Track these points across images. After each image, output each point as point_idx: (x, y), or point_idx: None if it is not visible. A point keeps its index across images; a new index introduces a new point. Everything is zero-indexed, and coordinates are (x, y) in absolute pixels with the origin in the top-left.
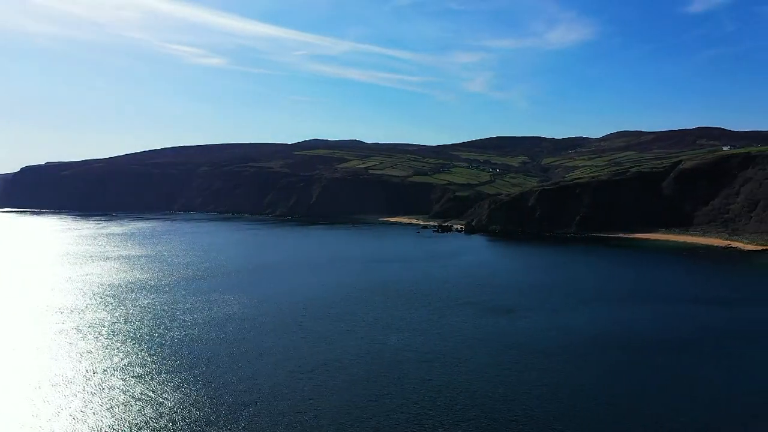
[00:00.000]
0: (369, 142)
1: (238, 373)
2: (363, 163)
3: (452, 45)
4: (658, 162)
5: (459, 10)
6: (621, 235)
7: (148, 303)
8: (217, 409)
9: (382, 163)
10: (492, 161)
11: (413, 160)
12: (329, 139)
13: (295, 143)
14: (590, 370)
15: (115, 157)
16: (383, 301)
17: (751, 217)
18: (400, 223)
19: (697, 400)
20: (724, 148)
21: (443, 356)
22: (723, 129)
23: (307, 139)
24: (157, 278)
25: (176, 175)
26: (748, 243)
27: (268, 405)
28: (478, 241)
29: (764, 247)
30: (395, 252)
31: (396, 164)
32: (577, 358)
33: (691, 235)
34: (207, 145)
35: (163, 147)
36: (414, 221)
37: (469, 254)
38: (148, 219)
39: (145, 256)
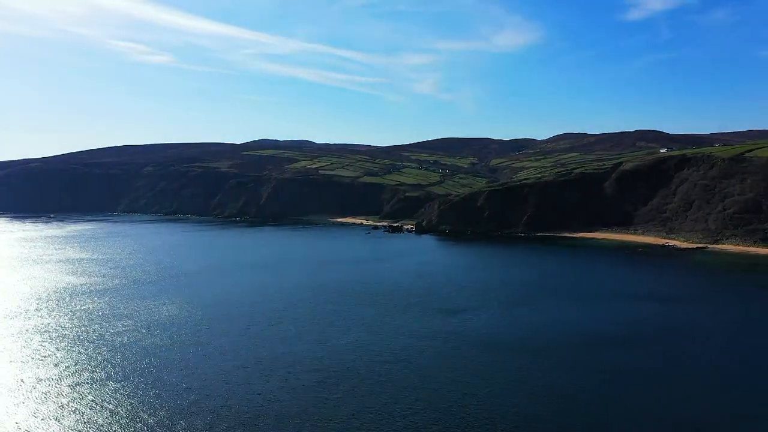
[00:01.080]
0: (319, 142)
1: (189, 378)
2: (313, 163)
3: (402, 46)
4: (601, 163)
5: (408, 11)
6: (566, 234)
7: (87, 308)
8: (172, 416)
9: (332, 163)
10: (442, 162)
11: (364, 161)
12: (279, 139)
13: (244, 143)
14: (538, 366)
15: (55, 156)
16: (334, 303)
17: (687, 216)
18: (351, 224)
19: (637, 394)
20: (662, 151)
21: (394, 356)
22: (661, 132)
23: (256, 139)
24: (98, 282)
25: (119, 176)
26: (684, 241)
27: (220, 409)
28: (428, 241)
29: (699, 245)
30: (346, 253)
31: (347, 165)
32: (526, 355)
33: (632, 234)
34: (151, 144)
35: (105, 146)
36: (365, 222)
37: (419, 254)
38: (89, 221)
39: (86, 260)
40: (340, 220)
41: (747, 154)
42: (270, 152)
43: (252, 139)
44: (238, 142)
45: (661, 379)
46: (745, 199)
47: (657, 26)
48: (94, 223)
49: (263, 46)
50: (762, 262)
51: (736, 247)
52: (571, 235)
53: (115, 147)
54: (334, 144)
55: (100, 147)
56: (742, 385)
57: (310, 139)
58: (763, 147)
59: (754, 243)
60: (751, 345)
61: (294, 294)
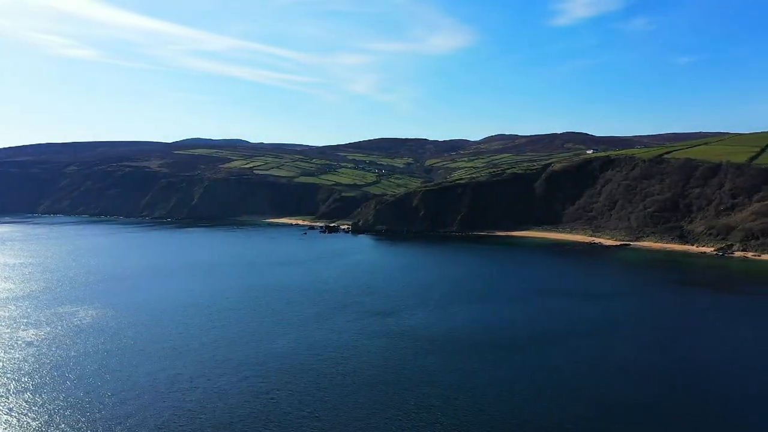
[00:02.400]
0: (254, 141)
1: (117, 387)
2: (248, 163)
3: (337, 46)
4: (531, 164)
5: (344, 11)
6: (499, 233)
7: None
8: (95, 427)
9: (267, 163)
10: (378, 162)
11: (300, 161)
12: (212, 139)
13: (175, 142)
14: (467, 365)
15: None
16: (270, 305)
17: (611, 215)
18: (287, 224)
19: (560, 389)
20: (588, 152)
21: (330, 358)
22: (587, 134)
23: (187, 138)
24: (11, 288)
25: (39, 175)
26: (608, 239)
27: (147, 418)
28: (364, 241)
29: (622, 243)
30: (282, 254)
31: (282, 164)
32: (456, 354)
33: (561, 232)
34: (74, 142)
35: (23, 144)
36: (301, 222)
37: (356, 254)
38: (5, 222)
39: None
40: (275, 220)
41: (665, 156)
42: (203, 151)
43: (183, 138)
44: (168, 140)
45: (596, 373)
46: (663, 198)
47: (582, 32)
48: (11, 225)
49: (194, 43)
50: (679, 258)
51: (656, 244)
52: (503, 233)
53: (35, 145)
54: (269, 144)
55: (19, 145)
56: (664, 376)
57: (244, 139)
58: (680, 149)
59: (672, 240)
60: (671, 337)
61: (228, 297)
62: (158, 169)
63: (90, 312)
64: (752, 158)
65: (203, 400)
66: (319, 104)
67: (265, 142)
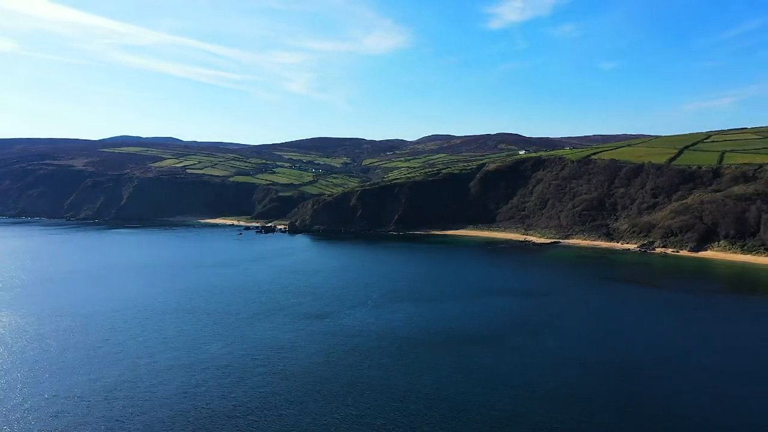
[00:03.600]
0: (187, 140)
1: (41, 394)
2: (180, 162)
3: (274, 44)
4: (466, 164)
5: (280, 9)
6: (436, 231)
7: None
8: None
9: (201, 162)
10: (315, 162)
11: (235, 160)
12: (141, 136)
13: (102, 140)
14: (403, 364)
15: None
16: (204, 308)
17: (542, 213)
18: (222, 225)
19: (493, 387)
20: (521, 153)
21: (268, 361)
22: (519, 135)
23: (115, 136)
24: None
25: None
26: (540, 237)
27: (72, 428)
28: (302, 241)
29: (553, 240)
30: (216, 255)
31: (217, 164)
32: (393, 354)
33: (495, 230)
34: None
35: None
36: (236, 222)
37: (293, 255)
38: None
39: None
40: (210, 221)
41: (592, 157)
42: (132, 150)
43: (111, 136)
44: (95, 138)
45: (533, 369)
46: (591, 197)
47: (514, 36)
48: None
49: (123, 37)
50: (606, 255)
51: (584, 241)
52: (440, 232)
53: None
54: (203, 142)
55: None
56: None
57: (176, 137)
58: (606, 150)
59: (599, 237)
60: (602, 332)
61: (159, 301)
62: (84, 167)
63: (10, 317)
64: (671, 159)
65: (130, 408)
66: (255, 102)
67: (198, 140)
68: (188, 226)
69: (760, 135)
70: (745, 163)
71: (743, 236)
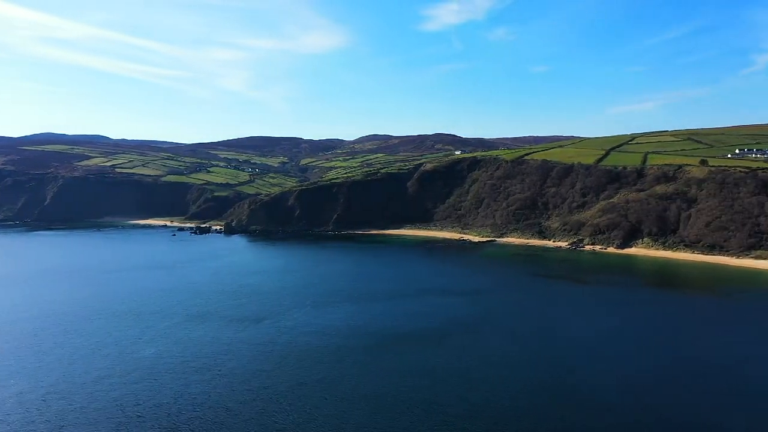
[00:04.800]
0: (116, 138)
1: None
2: (109, 161)
3: (208, 40)
4: (404, 164)
5: (215, 4)
6: (374, 231)
7: None
8: None
9: (131, 161)
10: (251, 161)
11: (167, 159)
12: (66, 134)
13: (23, 137)
14: (342, 365)
15: None
16: (135, 312)
17: (478, 213)
18: (154, 226)
19: (433, 386)
20: (457, 153)
21: (203, 366)
22: (456, 135)
23: (37, 133)
24: None
25: None
26: (476, 235)
27: None
28: (238, 241)
29: (488, 239)
30: (149, 257)
31: (148, 162)
32: (332, 356)
33: (433, 229)
34: None
35: None
36: (170, 223)
37: (229, 256)
38: None
39: None
40: (141, 222)
41: (525, 157)
42: (56, 148)
43: (33, 133)
44: (15, 135)
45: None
46: (524, 197)
47: (450, 39)
48: None
49: (47, 29)
50: (538, 253)
51: (518, 239)
52: (378, 232)
53: None
54: (134, 140)
55: None
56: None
57: (104, 135)
58: (538, 151)
59: (532, 235)
60: (536, 329)
61: (87, 306)
62: (2, 166)
63: None
64: (599, 160)
65: (60, 419)
66: (189, 100)
67: (128, 138)
68: (118, 227)
69: (679, 137)
70: (666, 164)
71: (665, 233)
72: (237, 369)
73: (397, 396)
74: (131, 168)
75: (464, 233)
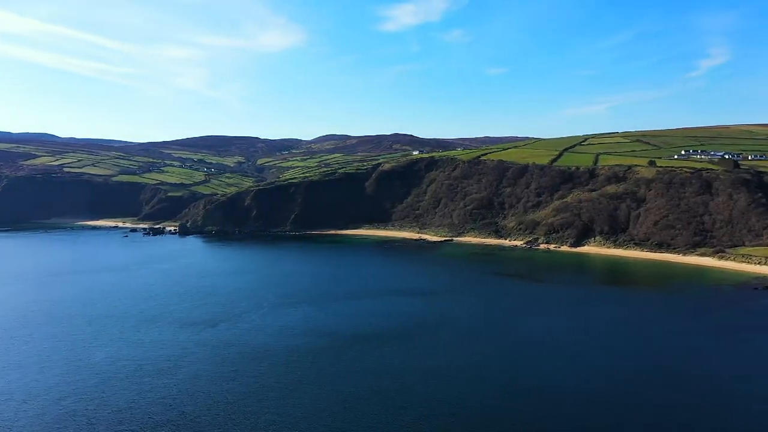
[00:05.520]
0: (64, 136)
1: None
2: (57, 160)
3: (162, 37)
4: (362, 164)
5: (169, 0)
6: (332, 231)
7: None
8: None
9: (81, 160)
10: (207, 161)
11: (119, 158)
12: (10, 132)
13: None
14: (302, 366)
15: None
16: (85, 317)
17: (436, 212)
18: (105, 227)
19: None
20: (415, 153)
21: (157, 370)
22: (413, 136)
23: None
24: None
25: None
26: (434, 235)
27: None
28: (193, 242)
29: (446, 238)
30: (100, 259)
31: (98, 162)
32: (288, 359)
33: (390, 229)
34: None
35: None
36: (121, 224)
37: (184, 257)
38: None
39: None
40: (91, 223)
41: (482, 158)
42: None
43: None
44: None
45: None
46: (481, 196)
47: (408, 39)
48: None
49: None
50: (495, 252)
51: (475, 238)
52: (336, 232)
53: None
54: (83, 139)
55: None
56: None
57: (51, 133)
58: (494, 151)
59: (488, 234)
60: (491, 328)
61: (34, 310)
62: None
63: None
64: (553, 160)
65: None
66: (141, 98)
67: (77, 137)
68: (66, 228)
69: (629, 139)
70: (616, 165)
71: (615, 232)
72: (193, 373)
73: (359, 397)
74: (80, 167)
75: (422, 233)
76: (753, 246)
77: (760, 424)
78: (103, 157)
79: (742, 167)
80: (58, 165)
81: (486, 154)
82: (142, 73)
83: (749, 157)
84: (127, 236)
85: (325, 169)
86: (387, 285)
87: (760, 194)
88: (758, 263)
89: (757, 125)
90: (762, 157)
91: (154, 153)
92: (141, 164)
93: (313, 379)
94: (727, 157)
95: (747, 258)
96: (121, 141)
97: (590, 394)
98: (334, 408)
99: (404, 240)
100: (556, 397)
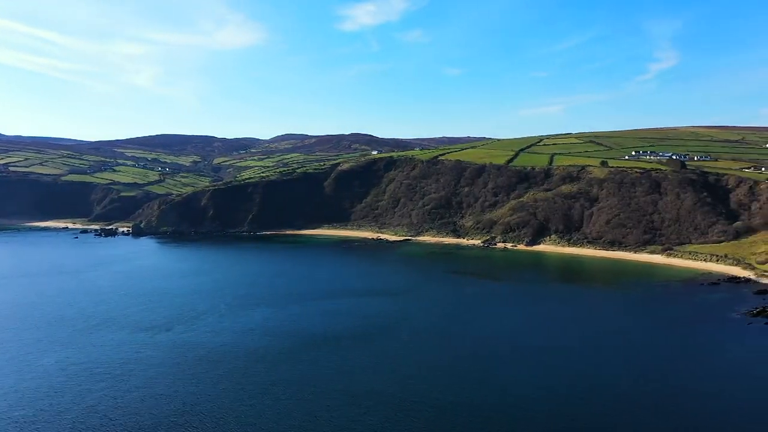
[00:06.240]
0: (9, 134)
1: None
2: (2, 159)
3: (114, 33)
4: (321, 164)
5: None
6: (290, 231)
7: None
8: None
9: (27, 159)
10: (161, 160)
11: (68, 157)
12: None
13: None
14: (259, 368)
15: None
16: (32, 322)
17: (395, 212)
18: (54, 228)
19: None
20: (374, 153)
21: (110, 375)
22: (372, 136)
23: None
24: None
25: None
26: (393, 234)
27: None
28: (147, 244)
29: (404, 238)
30: (48, 262)
31: (46, 161)
32: (245, 364)
33: (350, 229)
34: None
35: None
36: (71, 225)
37: (138, 259)
38: None
39: None
40: (40, 224)
41: (440, 158)
42: None
43: None
44: None
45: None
46: (439, 196)
47: (367, 39)
48: None
49: None
50: (453, 251)
51: (434, 238)
52: (295, 232)
53: None
54: (29, 137)
55: None
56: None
57: None
58: (452, 152)
59: (446, 234)
60: (450, 328)
61: None
62: None
63: None
64: (509, 161)
65: None
66: (93, 95)
67: (24, 135)
68: (12, 230)
69: (582, 139)
70: (570, 165)
71: (570, 231)
72: (146, 377)
73: (319, 398)
74: (27, 167)
75: (381, 232)
76: (699, 244)
77: (699, 404)
78: (51, 156)
79: (688, 168)
80: (3, 164)
81: (444, 154)
82: (92, 70)
83: (695, 158)
84: (77, 238)
85: (284, 169)
86: (346, 285)
87: (705, 194)
88: (704, 260)
89: (702, 127)
90: (707, 157)
91: (106, 152)
92: (92, 163)
93: (273, 382)
94: (674, 157)
95: (693, 255)
96: (70, 139)
97: (551, 391)
98: (295, 412)
99: (363, 240)
100: (515, 396)
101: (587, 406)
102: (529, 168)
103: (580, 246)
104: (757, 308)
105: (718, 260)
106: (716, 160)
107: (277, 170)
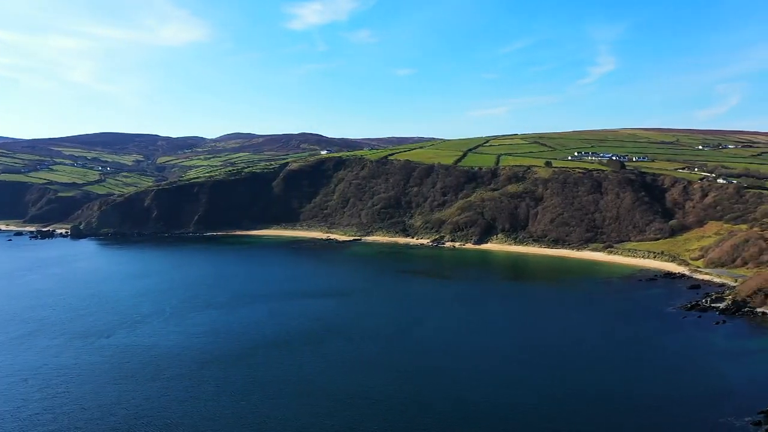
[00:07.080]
0: None
1: None
2: None
3: (49, 26)
4: (269, 163)
5: None
6: (238, 232)
7: None
8: None
9: None
10: (102, 159)
11: (1, 155)
12: None
13: None
14: (206, 374)
15: None
16: None
17: (344, 212)
18: None
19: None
20: (322, 152)
21: (42, 387)
22: (321, 135)
23: None
24: None
25: None
26: (342, 234)
27: None
28: (87, 246)
29: (354, 238)
30: None
31: None
32: (193, 364)
33: (299, 229)
34: None
35: None
36: (4, 227)
37: (76, 262)
38: None
39: None
40: None
41: (390, 158)
42: None
43: None
44: None
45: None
46: (388, 196)
47: (315, 38)
48: None
49: None
50: (403, 250)
51: (384, 237)
52: (243, 232)
53: None
54: None
55: None
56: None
57: None
58: (401, 152)
59: (396, 233)
60: (393, 327)
61: None
62: None
63: None
64: (457, 161)
65: None
66: (26, 91)
67: None
68: None
69: (527, 140)
70: (516, 165)
71: (516, 229)
72: (87, 386)
73: (271, 402)
74: None
75: (331, 232)
76: (637, 241)
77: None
78: None
79: (627, 168)
80: None
81: (393, 154)
82: (26, 64)
83: (633, 159)
84: (11, 240)
85: (231, 169)
86: (295, 286)
87: (643, 193)
88: (642, 257)
89: (640, 129)
90: (644, 158)
91: (42, 150)
92: (26, 162)
93: (222, 386)
94: (614, 158)
95: (633, 252)
96: (3, 137)
97: (498, 388)
98: (250, 417)
99: (313, 240)
100: (462, 393)
101: (524, 398)
102: (477, 168)
103: (526, 244)
104: (690, 302)
105: (655, 257)
106: (653, 161)
107: (224, 170)
